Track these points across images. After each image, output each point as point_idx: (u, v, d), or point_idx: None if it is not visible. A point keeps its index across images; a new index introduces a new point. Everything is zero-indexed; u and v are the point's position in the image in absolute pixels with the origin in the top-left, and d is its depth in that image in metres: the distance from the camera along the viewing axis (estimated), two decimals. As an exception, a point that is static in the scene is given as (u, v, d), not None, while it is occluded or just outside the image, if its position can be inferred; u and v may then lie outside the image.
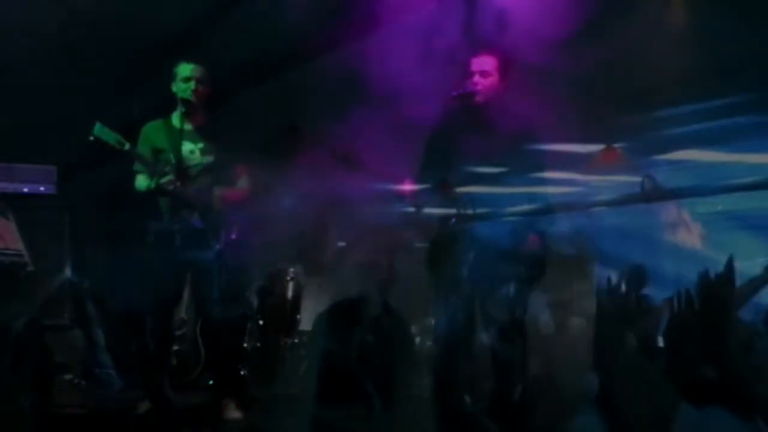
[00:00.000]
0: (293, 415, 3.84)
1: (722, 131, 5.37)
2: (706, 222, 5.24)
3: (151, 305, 4.79)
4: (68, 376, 4.85)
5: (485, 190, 4.17)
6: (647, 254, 4.34)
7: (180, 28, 5.96)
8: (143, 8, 5.64)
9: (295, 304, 5.94)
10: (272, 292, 5.98)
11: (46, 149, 6.19)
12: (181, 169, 4.69)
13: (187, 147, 4.77)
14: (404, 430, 3.96)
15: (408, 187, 4.49)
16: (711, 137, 5.42)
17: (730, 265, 2.89)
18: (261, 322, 5.81)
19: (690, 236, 5.22)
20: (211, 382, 5.00)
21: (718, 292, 2.69)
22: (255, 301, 5.87)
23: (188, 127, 4.79)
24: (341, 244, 6.28)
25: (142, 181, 4.72)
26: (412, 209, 4.48)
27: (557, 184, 4.29)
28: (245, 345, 5.63)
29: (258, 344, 5.74)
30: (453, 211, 4.23)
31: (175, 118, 4.78)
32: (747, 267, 4.29)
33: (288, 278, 6.05)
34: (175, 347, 5.19)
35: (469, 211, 4.18)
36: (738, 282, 3.08)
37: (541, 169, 4.25)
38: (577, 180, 4.36)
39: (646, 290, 4.34)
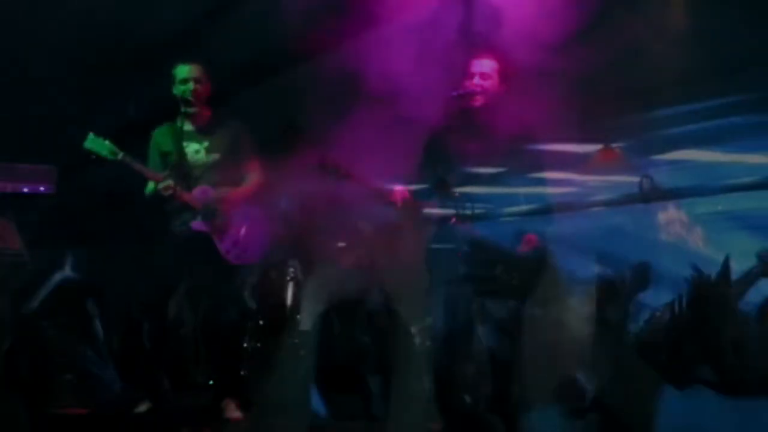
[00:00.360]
0: (293, 415, 3.86)
1: (721, 131, 5.37)
2: (705, 222, 5.24)
3: (151, 305, 4.80)
4: (68, 376, 4.86)
5: (484, 191, 4.18)
6: (646, 254, 4.33)
7: (178, 28, 5.96)
8: (142, 8, 5.65)
9: (295, 304, 5.94)
10: (272, 292, 5.98)
11: (46, 149, 6.20)
12: (185, 170, 4.71)
13: (192, 147, 4.81)
14: (404, 429, 3.97)
15: (407, 186, 4.49)
16: (710, 137, 5.42)
17: (726, 265, 2.90)
18: (261, 322, 5.81)
19: (689, 236, 5.21)
20: (211, 383, 5.00)
21: (713, 293, 2.70)
22: (255, 301, 5.87)
23: (192, 127, 4.82)
24: (340, 244, 6.29)
25: (148, 186, 4.76)
26: (411, 209, 4.47)
27: (556, 184, 4.29)
28: (245, 345, 5.64)
29: (258, 344, 5.74)
30: (452, 211, 4.24)
31: (180, 120, 4.81)
32: (746, 267, 4.30)
33: (288, 278, 6.05)
34: (175, 347, 5.19)
35: (468, 212, 4.18)
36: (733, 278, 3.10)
37: (540, 169, 4.25)
38: (575, 180, 4.37)
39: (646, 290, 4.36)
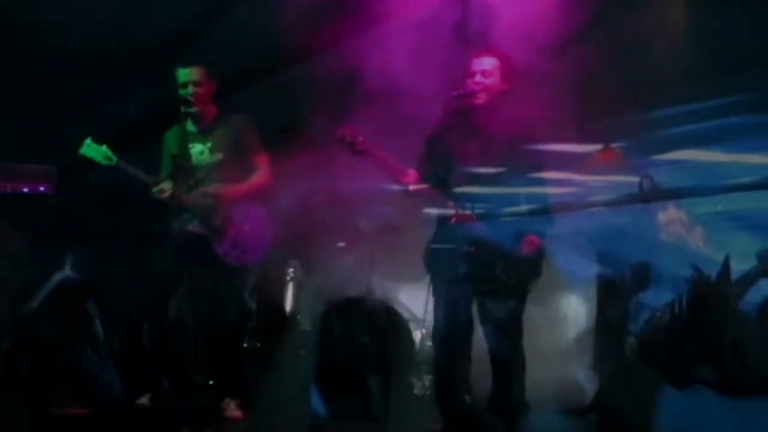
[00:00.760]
0: (293, 415, 3.86)
1: (721, 131, 5.37)
2: (705, 222, 5.24)
3: (151, 306, 4.80)
4: (68, 376, 4.86)
5: (484, 191, 4.17)
6: (646, 254, 4.33)
7: (178, 28, 5.97)
8: (142, 8, 5.65)
9: (295, 304, 5.94)
10: (272, 292, 5.98)
11: (46, 149, 6.19)
12: (188, 172, 4.71)
13: (196, 148, 4.82)
14: (404, 429, 3.97)
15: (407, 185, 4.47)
16: (710, 137, 5.42)
17: (726, 265, 2.90)
18: (261, 322, 5.82)
19: (688, 236, 5.21)
20: (211, 383, 5.00)
21: (713, 292, 2.70)
22: (254, 301, 5.87)
23: (196, 128, 4.83)
24: (340, 243, 6.29)
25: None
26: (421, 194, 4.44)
27: (556, 184, 4.28)
28: (245, 345, 5.64)
29: (258, 344, 5.75)
30: (451, 211, 4.22)
31: (189, 122, 4.82)
32: (746, 267, 4.29)
33: (288, 278, 6.05)
34: (175, 347, 5.19)
35: (468, 211, 4.17)
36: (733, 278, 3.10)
37: (540, 169, 4.24)
38: (575, 180, 4.36)
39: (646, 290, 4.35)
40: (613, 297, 3.54)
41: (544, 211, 4.18)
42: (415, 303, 5.59)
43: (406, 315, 5.49)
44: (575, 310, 4.75)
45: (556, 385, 4.42)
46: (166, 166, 4.84)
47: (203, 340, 5.25)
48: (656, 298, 3.60)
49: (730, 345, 2.69)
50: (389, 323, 5.13)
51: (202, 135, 4.83)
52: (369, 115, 5.23)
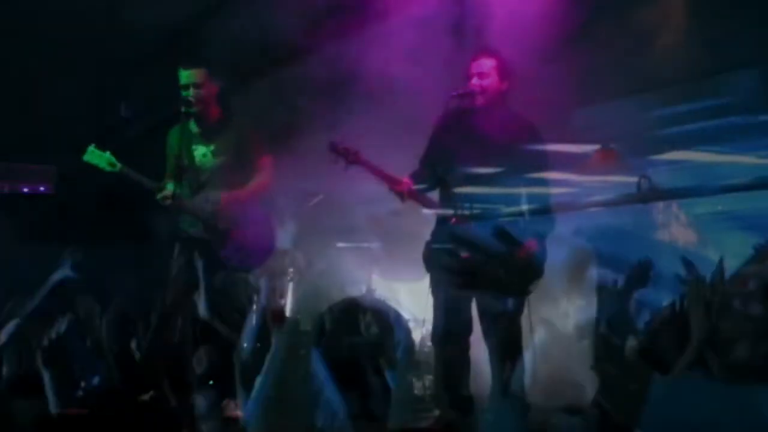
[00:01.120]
0: (293, 415, 3.86)
1: (721, 131, 5.37)
2: (704, 222, 5.24)
3: (151, 306, 4.80)
4: (67, 376, 4.86)
5: (482, 191, 4.18)
6: (646, 254, 4.33)
7: (178, 27, 5.98)
8: (141, 8, 5.66)
9: (295, 304, 5.95)
10: (271, 292, 5.98)
11: (46, 149, 6.20)
12: (191, 175, 4.71)
13: (199, 151, 4.81)
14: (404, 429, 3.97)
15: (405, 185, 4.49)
16: (709, 137, 5.42)
17: (720, 265, 2.91)
18: (260, 322, 5.81)
19: (687, 236, 5.22)
20: (211, 383, 5.00)
21: (711, 292, 2.71)
22: (254, 301, 5.87)
23: (199, 129, 4.82)
24: (339, 244, 6.30)
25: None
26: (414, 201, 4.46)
27: (554, 184, 4.29)
28: (245, 345, 5.63)
29: (258, 344, 5.74)
30: (450, 211, 4.24)
31: (191, 123, 4.82)
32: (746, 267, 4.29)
33: (288, 278, 6.06)
34: (175, 347, 5.19)
35: (466, 212, 4.18)
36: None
37: (538, 169, 4.25)
38: (573, 180, 4.37)
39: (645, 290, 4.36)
40: (612, 296, 3.54)
41: (543, 211, 4.19)
42: (415, 303, 5.60)
43: (406, 315, 5.50)
44: (574, 310, 4.76)
45: (555, 385, 4.43)
46: (170, 166, 4.83)
47: (203, 340, 5.26)
48: (656, 298, 3.60)
49: (730, 343, 2.70)
50: (389, 323, 5.13)
51: (205, 137, 4.82)
52: (368, 115, 5.25)
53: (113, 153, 4.75)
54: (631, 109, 5.58)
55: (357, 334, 4.82)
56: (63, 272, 5.55)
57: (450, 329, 4.32)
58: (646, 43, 5.13)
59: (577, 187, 4.27)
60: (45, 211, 6.44)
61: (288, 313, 5.98)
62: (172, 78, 4.85)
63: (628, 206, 4.38)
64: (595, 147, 5.36)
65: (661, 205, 5.18)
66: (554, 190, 4.27)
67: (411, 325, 5.52)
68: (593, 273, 4.79)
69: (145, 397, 4.61)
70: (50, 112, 6.04)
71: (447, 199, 4.37)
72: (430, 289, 4.44)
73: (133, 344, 5.22)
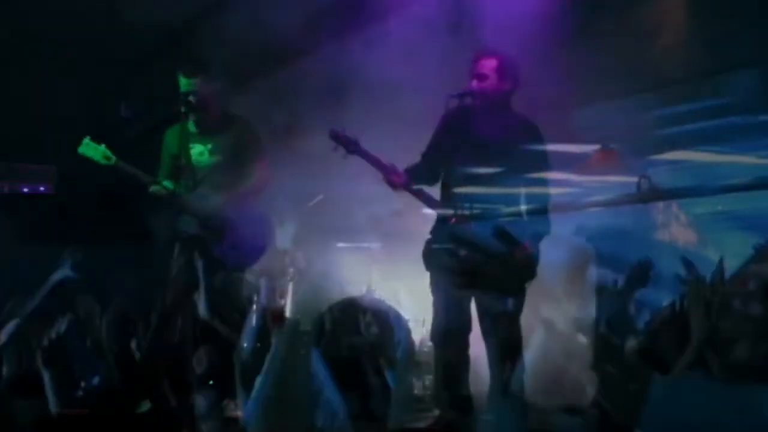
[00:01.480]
0: (293, 415, 3.85)
1: (720, 131, 5.37)
2: (704, 222, 5.24)
3: (151, 306, 4.80)
4: (67, 376, 4.86)
5: (482, 191, 4.18)
6: (644, 255, 4.33)
7: (176, 28, 5.98)
8: (141, 8, 5.65)
9: (295, 304, 5.95)
10: (271, 292, 5.98)
11: (46, 149, 6.20)
12: (188, 173, 4.71)
13: (196, 149, 4.81)
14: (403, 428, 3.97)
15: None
16: (709, 137, 5.42)
17: (720, 265, 2.91)
18: (261, 323, 5.81)
19: (687, 236, 5.22)
20: (211, 383, 5.00)
21: (711, 292, 2.71)
22: (254, 301, 5.87)
23: (198, 128, 4.82)
24: (339, 244, 6.30)
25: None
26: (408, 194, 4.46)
27: (554, 184, 4.29)
28: (245, 345, 5.63)
29: (258, 344, 5.74)
30: (450, 210, 4.23)
31: (189, 122, 4.82)
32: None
33: (288, 278, 6.06)
34: (175, 347, 5.19)
35: (466, 212, 4.18)
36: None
37: (538, 169, 4.25)
38: (573, 180, 4.37)
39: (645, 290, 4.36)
40: (612, 296, 3.54)
41: (543, 211, 4.19)
42: (415, 303, 5.60)
43: (406, 315, 5.49)
44: (574, 310, 4.76)
45: (555, 385, 4.43)
46: (165, 165, 4.83)
47: (203, 340, 5.26)
48: (656, 298, 3.61)
49: (730, 342, 2.70)
50: (389, 323, 5.13)
51: (203, 136, 4.83)
52: (367, 114, 5.24)
53: (109, 147, 4.74)
54: (631, 109, 5.58)
55: (357, 334, 4.82)
56: (63, 272, 5.55)
57: (450, 329, 4.32)
58: (646, 43, 5.13)
59: (577, 187, 4.27)
60: (45, 211, 6.44)
61: (288, 313, 5.98)
62: (172, 78, 4.85)
63: (628, 206, 4.38)
64: (595, 147, 5.36)
65: (661, 205, 5.18)
66: (554, 190, 4.27)
67: (411, 325, 5.52)
68: (593, 273, 4.80)
69: (143, 408, 4.60)
70: (50, 112, 6.04)
71: (447, 199, 4.37)
72: (430, 289, 4.43)
73: (133, 344, 5.22)
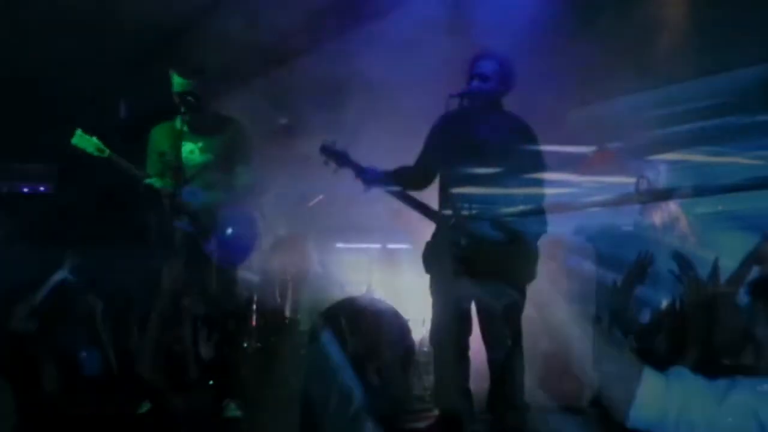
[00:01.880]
0: (293, 415, 3.86)
1: (720, 131, 5.37)
2: (704, 222, 5.24)
3: (149, 305, 4.80)
4: (67, 376, 4.87)
5: (481, 191, 4.18)
6: (644, 250, 4.33)
7: (176, 28, 5.98)
8: (138, 8, 5.65)
9: (294, 304, 5.95)
10: (272, 292, 5.99)
11: (46, 149, 6.20)
12: (178, 170, 4.71)
13: (186, 147, 4.80)
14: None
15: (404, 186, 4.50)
16: (709, 137, 5.42)
17: (715, 266, 2.92)
18: (261, 322, 5.83)
19: (687, 236, 5.22)
20: (211, 383, 5.01)
21: (710, 291, 2.71)
22: (254, 301, 5.88)
23: (188, 127, 4.81)
24: (339, 244, 6.31)
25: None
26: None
27: (553, 184, 4.29)
28: (245, 345, 5.65)
29: (258, 344, 5.75)
30: (450, 211, 4.24)
31: (179, 120, 4.81)
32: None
33: (288, 278, 6.06)
34: (175, 347, 5.20)
35: (465, 212, 4.18)
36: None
37: (537, 170, 4.25)
38: (572, 181, 4.37)
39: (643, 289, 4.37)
40: (612, 294, 3.54)
41: (541, 211, 4.19)
42: (415, 303, 5.60)
43: (406, 315, 5.49)
44: (573, 310, 4.75)
45: (555, 384, 4.43)
46: (153, 163, 4.82)
47: (203, 340, 5.27)
48: (656, 298, 3.61)
49: (737, 343, 2.70)
50: (388, 322, 5.13)
51: (194, 135, 4.81)
52: (366, 114, 5.25)
53: (102, 141, 4.74)
54: (630, 109, 5.58)
55: (357, 334, 4.82)
56: (63, 273, 5.56)
57: (450, 329, 4.32)
58: (645, 43, 5.13)
59: (575, 187, 4.26)
60: (45, 211, 6.44)
61: (288, 313, 5.98)
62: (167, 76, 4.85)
63: (628, 206, 4.38)
64: (594, 147, 5.36)
65: (661, 205, 5.18)
66: (553, 191, 4.27)
67: (411, 325, 5.53)
68: (592, 273, 4.80)
69: (143, 408, 4.60)
70: (50, 112, 6.04)
71: (445, 201, 4.37)
72: (430, 292, 4.44)
73: (133, 344, 5.22)
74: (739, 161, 4.64)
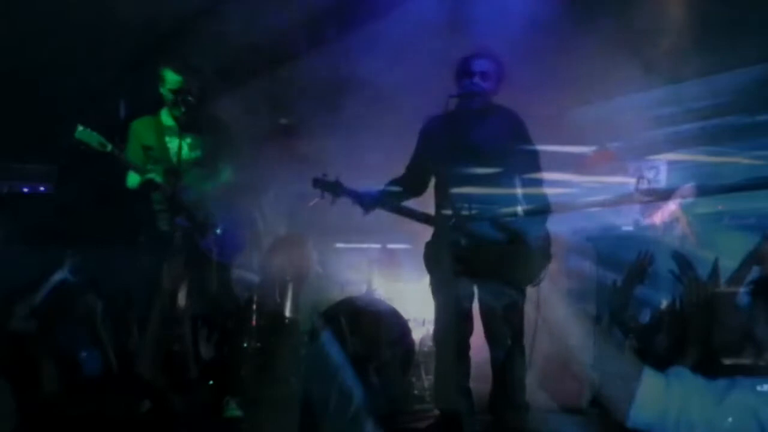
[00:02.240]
0: (292, 414, 3.86)
1: (720, 131, 5.38)
2: (704, 222, 5.24)
3: (150, 306, 4.80)
4: (67, 375, 4.87)
5: (480, 191, 4.18)
6: (644, 249, 4.34)
7: (176, 26, 5.97)
8: (139, 7, 5.65)
9: (294, 304, 5.94)
10: (271, 291, 5.98)
11: (46, 149, 6.21)
12: (169, 166, 4.73)
13: (174, 143, 4.80)
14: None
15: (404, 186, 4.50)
16: (709, 137, 5.43)
17: (715, 267, 2.92)
18: (261, 322, 5.82)
19: (687, 236, 5.22)
20: (211, 382, 5.01)
21: (710, 291, 2.71)
22: (254, 301, 5.88)
23: (175, 123, 4.81)
24: (339, 244, 6.31)
25: (131, 179, 4.78)
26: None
27: (553, 184, 4.29)
28: (245, 345, 5.64)
29: (258, 344, 5.75)
30: (449, 211, 4.24)
31: (164, 115, 4.80)
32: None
33: (288, 278, 6.05)
34: (175, 347, 5.20)
35: (465, 212, 4.18)
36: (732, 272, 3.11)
37: (536, 170, 4.25)
38: (572, 181, 4.37)
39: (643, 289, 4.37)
40: (612, 294, 3.55)
41: (541, 211, 4.19)
42: (415, 303, 5.60)
43: (406, 315, 5.50)
44: (573, 309, 4.76)
45: (555, 384, 4.43)
46: (135, 155, 4.81)
47: (202, 340, 5.27)
48: (656, 298, 3.61)
49: (728, 343, 2.70)
50: (388, 322, 5.13)
51: (181, 131, 4.79)
52: (366, 114, 5.25)
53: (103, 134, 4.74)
54: (631, 109, 5.58)
55: (357, 334, 4.82)
56: (63, 273, 5.56)
57: (450, 329, 4.32)
58: (646, 43, 5.13)
59: (575, 188, 4.27)
60: (45, 211, 6.44)
61: (288, 313, 5.98)
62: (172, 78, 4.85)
63: (628, 206, 4.39)
64: (594, 147, 5.37)
65: (661, 205, 5.19)
66: (553, 191, 4.27)
67: (411, 325, 5.54)
68: (592, 273, 4.80)
69: (143, 408, 4.60)
70: (50, 112, 6.04)
71: (442, 202, 4.37)
72: (431, 289, 4.44)
73: (133, 343, 5.22)
74: (739, 161, 4.64)
